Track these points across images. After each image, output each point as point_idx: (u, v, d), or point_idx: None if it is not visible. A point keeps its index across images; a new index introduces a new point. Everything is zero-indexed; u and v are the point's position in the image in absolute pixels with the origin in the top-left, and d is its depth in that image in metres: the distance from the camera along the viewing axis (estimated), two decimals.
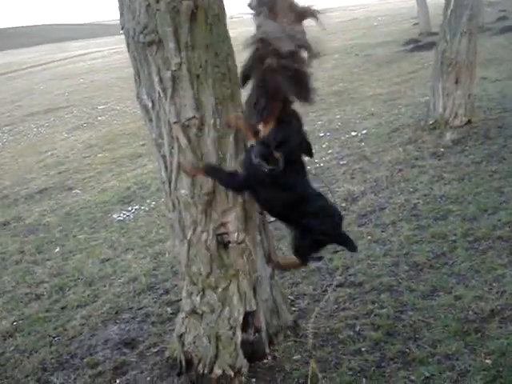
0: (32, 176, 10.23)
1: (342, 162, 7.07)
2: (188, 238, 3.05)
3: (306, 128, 2.72)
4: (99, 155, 10.97)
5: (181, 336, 3.25)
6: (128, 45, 2.84)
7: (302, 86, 2.51)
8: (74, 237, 6.48)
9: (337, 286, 4.02)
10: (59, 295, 4.89)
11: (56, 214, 7.56)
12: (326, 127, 9.20)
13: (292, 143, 2.60)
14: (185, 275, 3.15)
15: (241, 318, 3.10)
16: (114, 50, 39.90)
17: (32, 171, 10.65)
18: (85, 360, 3.75)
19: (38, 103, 20.68)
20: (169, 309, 4.18)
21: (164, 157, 2.98)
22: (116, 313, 4.34)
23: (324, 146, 8.01)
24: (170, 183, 3.00)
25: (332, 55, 19.12)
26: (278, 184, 2.69)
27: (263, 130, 2.60)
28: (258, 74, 2.49)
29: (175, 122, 2.82)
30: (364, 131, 8.32)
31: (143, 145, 10.76)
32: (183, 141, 2.84)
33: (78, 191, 8.59)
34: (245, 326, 3.14)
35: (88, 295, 4.77)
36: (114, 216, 6.96)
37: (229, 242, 3.04)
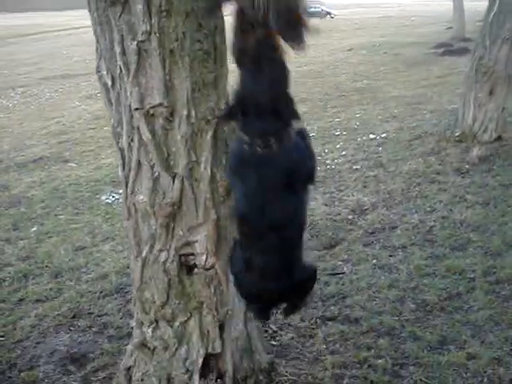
0: (32, 143, 9.87)
1: (355, 167, 6.45)
2: (143, 255, 2.42)
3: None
4: (104, 128, 10.53)
5: (128, 369, 2.66)
6: (88, 3, 2.19)
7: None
8: (55, 216, 6.04)
9: (328, 319, 3.42)
10: (21, 283, 4.42)
11: (43, 187, 7.14)
12: (343, 126, 8.54)
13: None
14: (136, 300, 2.53)
15: (200, 360, 2.48)
16: None
17: (33, 137, 10.29)
18: (22, 374, 3.21)
19: (57, 67, 20.36)
20: (131, 321, 3.60)
21: (122, 150, 2.33)
22: (73, 317, 3.82)
23: (338, 146, 7.37)
24: (126, 185, 2.36)
25: (359, 50, 18.44)
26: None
27: None
28: None
29: (137, 109, 2.16)
30: (383, 135, 7.67)
31: None
32: (146, 133, 2.19)
33: (73, 165, 8.20)
34: (204, 370, 2.52)
35: (50, 289, 4.28)
36: (103, 198, 6.50)
37: (194, 265, 2.41)
